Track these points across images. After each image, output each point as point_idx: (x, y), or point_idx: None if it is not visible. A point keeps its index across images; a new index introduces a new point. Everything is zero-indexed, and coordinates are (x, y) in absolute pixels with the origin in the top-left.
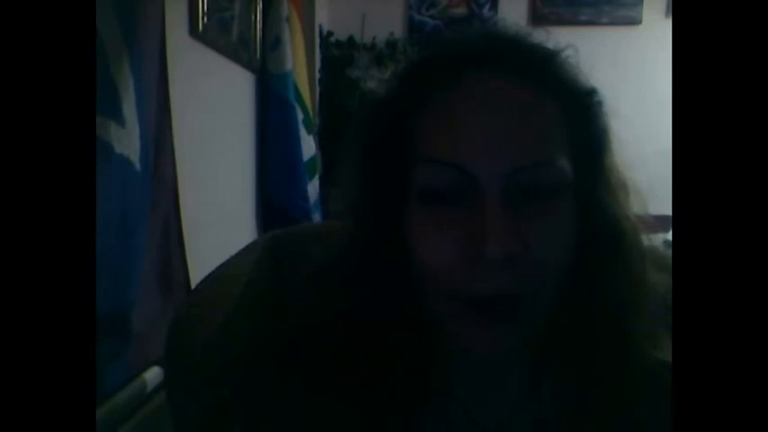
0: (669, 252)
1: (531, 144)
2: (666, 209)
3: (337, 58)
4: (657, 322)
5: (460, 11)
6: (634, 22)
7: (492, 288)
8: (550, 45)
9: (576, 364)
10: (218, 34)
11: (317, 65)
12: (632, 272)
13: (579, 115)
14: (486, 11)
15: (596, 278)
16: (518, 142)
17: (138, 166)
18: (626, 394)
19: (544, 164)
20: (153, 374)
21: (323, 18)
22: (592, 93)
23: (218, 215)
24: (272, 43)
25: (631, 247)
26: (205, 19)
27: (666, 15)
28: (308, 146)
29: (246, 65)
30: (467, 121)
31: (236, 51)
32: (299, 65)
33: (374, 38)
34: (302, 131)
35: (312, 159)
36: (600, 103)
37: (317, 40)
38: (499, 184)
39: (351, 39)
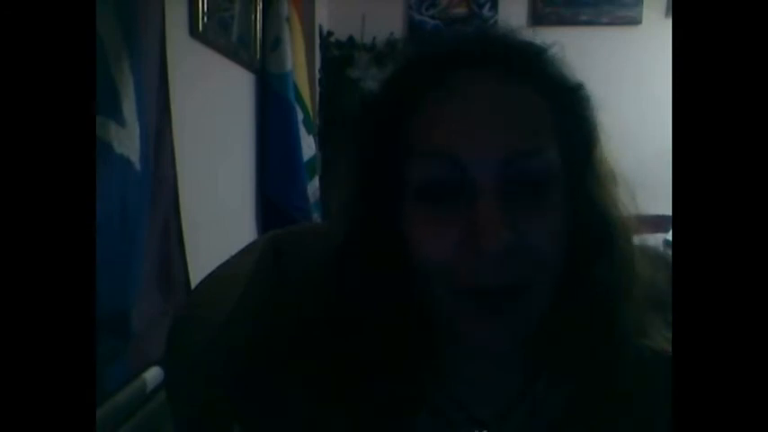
0: (669, 251)
1: (521, 135)
2: (666, 209)
3: (337, 58)
4: (646, 310)
5: (460, 11)
6: (634, 22)
7: (492, 280)
8: (538, 43)
9: (569, 356)
10: (218, 34)
11: (317, 65)
12: (621, 261)
13: (566, 109)
14: (486, 11)
15: (586, 269)
16: (508, 134)
17: (138, 166)
18: (617, 385)
19: (534, 153)
20: (153, 374)
21: (323, 18)
22: (578, 88)
23: (218, 215)
24: (272, 43)
25: (619, 236)
26: (205, 19)
27: (666, 15)
28: (308, 146)
29: (246, 65)
30: (458, 117)
31: (236, 51)
32: (299, 65)
33: (374, 38)
34: (302, 131)
35: (312, 159)
36: (587, 98)
37: (317, 40)
38: (492, 175)
39: (351, 39)
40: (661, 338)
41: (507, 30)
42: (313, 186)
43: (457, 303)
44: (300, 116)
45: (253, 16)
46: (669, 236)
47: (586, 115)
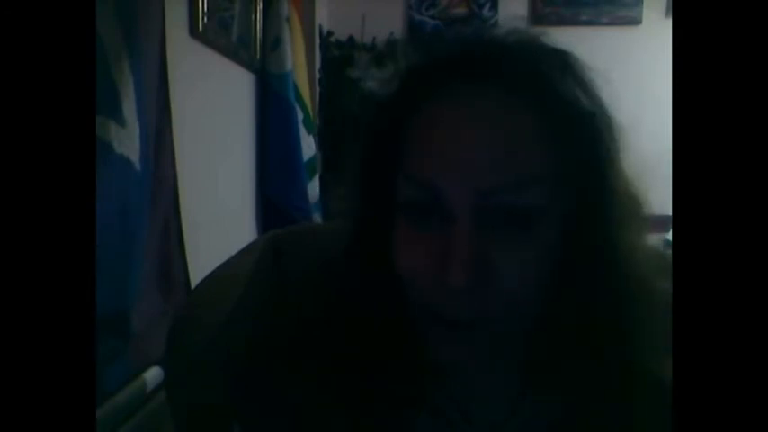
0: (669, 251)
1: (508, 166)
2: (666, 209)
3: (337, 58)
4: (645, 329)
5: (460, 11)
6: (634, 22)
7: (455, 312)
8: (558, 55)
9: (559, 374)
10: (218, 34)
11: (317, 65)
12: (614, 296)
13: (573, 139)
14: (486, 11)
15: (576, 300)
16: (494, 163)
17: (138, 166)
18: (617, 388)
19: (515, 187)
20: (153, 374)
21: (323, 18)
22: (593, 114)
23: (218, 215)
24: (272, 43)
25: (618, 274)
26: (205, 19)
27: (666, 15)
28: (308, 146)
29: (246, 65)
30: (446, 140)
31: (236, 51)
32: (299, 65)
33: (374, 38)
34: (302, 131)
35: (312, 159)
36: (600, 126)
37: (317, 40)
38: (471, 205)
39: (351, 39)
40: (661, 358)
41: (516, 35)
42: (313, 186)
43: (427, 322)
44: (300, 116)
45: (253, 16)
46: (669, 236)
47: (597, 146)
